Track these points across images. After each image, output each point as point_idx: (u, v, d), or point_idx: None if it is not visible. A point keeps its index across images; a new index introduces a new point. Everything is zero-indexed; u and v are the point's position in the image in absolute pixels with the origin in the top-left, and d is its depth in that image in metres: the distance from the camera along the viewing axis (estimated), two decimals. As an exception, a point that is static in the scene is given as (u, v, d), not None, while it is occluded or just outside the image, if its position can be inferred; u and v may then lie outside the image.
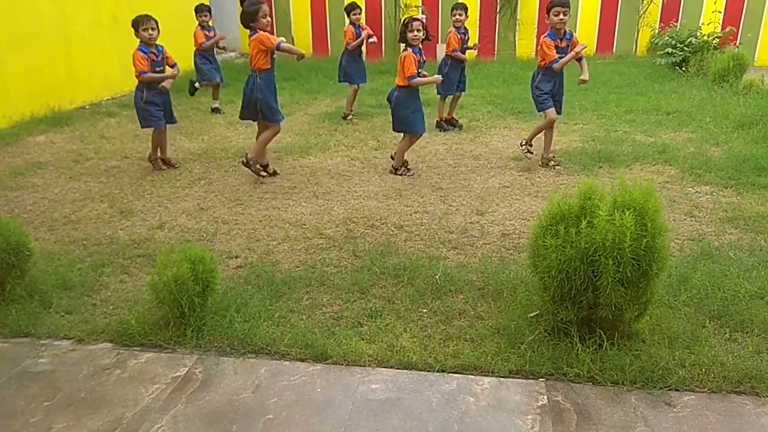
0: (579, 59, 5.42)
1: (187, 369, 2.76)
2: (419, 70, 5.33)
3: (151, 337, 2.96)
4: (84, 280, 3.58)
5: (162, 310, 3.02)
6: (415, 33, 5.25)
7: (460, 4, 7.14)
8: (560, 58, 5.34)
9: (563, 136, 6.63)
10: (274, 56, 5.23)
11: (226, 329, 2.99)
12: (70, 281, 3.54)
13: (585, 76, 5.51)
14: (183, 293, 2.89)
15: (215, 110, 8.04)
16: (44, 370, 2.79)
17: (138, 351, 2.91)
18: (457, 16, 6.96)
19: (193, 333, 2.94)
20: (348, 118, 7.58)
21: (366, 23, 11.92)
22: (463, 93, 7.37)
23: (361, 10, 7.72)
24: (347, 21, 7.68)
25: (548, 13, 5.31)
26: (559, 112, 5.60)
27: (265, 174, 5.41)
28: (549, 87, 5.46)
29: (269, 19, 5.05)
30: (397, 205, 4.78)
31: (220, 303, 3.18)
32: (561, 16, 5.22)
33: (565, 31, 5.37)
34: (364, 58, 7.87)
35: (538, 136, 5.71)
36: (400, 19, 11.66)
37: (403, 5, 11.63)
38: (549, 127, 5.58)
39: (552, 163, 5.63)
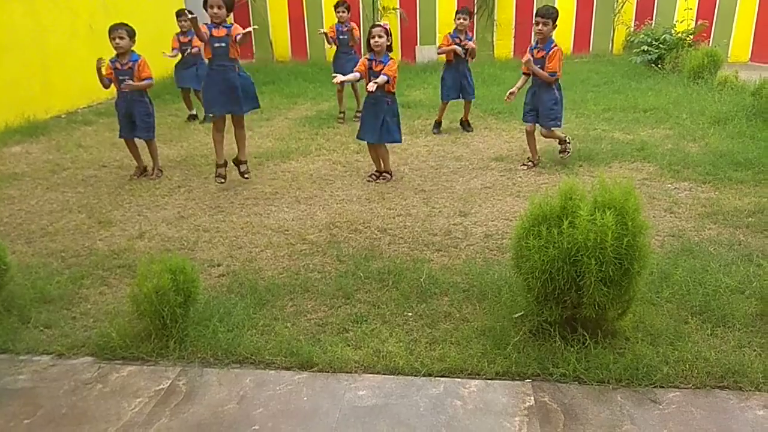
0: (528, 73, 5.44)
1: (170, 381, 2.72)
2: (371, 78, 5.17)
3: (133, 350, 2.91)
4: (63, 293, 3.51)
5: (143, 321, 2.97)
6: (376, 39, 5.19)
7: (464, 8, 7.09)
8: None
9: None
10: (216, 47, 5.00)
11: (210, 339, 2.95)
12: (48, 295, 3.47)
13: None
14: (164, 304, 2.85)
15: (193, 117, 7.93)
16: (24, 386, 2.73)
17: (120, 364, 2.86)
18: (461, 20, 6.90)
19: (176, 344, 2.90)
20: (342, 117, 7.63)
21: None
22: (472, 100, 7.19)
23: (345, 7, 7.58)
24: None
25: None
26: (537, 121, 5.55)
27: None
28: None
29: (215, 10, 4.89)
30: (380, 209, 4.77)
31: (202, 313, 3.14)
32: (538, 26, 5.20)
33: (547, 41, 5.30)
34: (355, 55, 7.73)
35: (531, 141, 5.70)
36: (378, 21, 11.68)
37: (380, 7, 11.63)
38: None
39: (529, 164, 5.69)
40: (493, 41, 11.89)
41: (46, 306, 3.37)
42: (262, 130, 7.34)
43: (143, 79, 5.38)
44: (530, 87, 5.53)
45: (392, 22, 11.37)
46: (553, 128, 5.52)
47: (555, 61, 5.26)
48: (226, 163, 5.38)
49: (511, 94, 5.44)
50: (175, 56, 7.80)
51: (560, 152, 5.69)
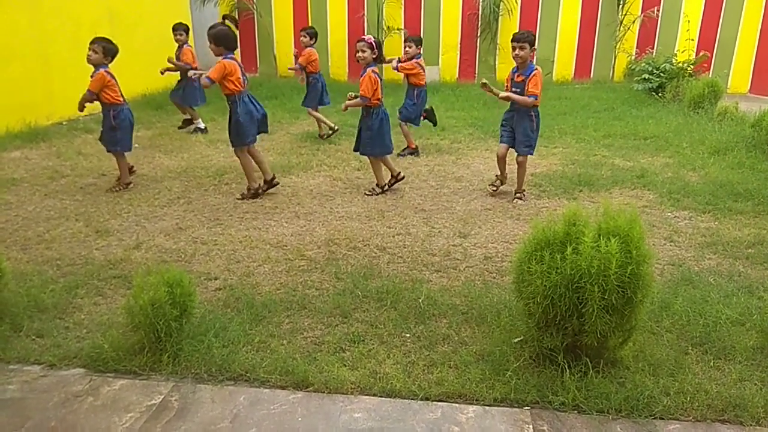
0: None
1: (162, 397, 2.67)
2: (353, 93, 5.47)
3: (126, 363, 2.87)
4: (57, 302, 3.47)
5: (137, 334, 2.93)
6: (359, 54, 5.31)
7: (410, 37, 7.10)
8: (513, 91, 5.21)
9: (543, 159, 6.69)
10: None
11: (204, 355, 2.90)
12: (42, 303, 3.42)
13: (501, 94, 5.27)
14: (159, 317, 2.81)
15: (202, 130, 7.91)
16: (13, 397, 2.67)
17: (111, 377, 2.81)
18: (407, 48, 6.94)
19: (169, 359, 2.85)
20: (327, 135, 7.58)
21: (349, 47, 12.02)
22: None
23: (307, 33, 7.53)
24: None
25: None
26: (512, 145, 5.42)
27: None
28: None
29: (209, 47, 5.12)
30: (380, 227, 4.75)
31: (197, 327, 3.10)
32: (515, 51, 5.11)
33: (527, 66, 5.16)
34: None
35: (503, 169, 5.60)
36: (383, 41, 11.77)
37: (385, 27, 11.73)
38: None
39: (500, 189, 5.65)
40: (495, 64, 11.97)
41: (39, 315, 3.33)
42: (263, 144, 7.30)
43: (87, 91, 5.35)
44: (508, 110, 5.41)
45: (397, 42, 11.46)
46: (527, 155, 5.35)
47: (536, 84, 5.10)
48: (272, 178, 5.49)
49: (484, 84, 5.26)
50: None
51: (515, 197, 5.45)
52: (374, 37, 5.46)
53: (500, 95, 5.21)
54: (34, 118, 7.63)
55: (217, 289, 3.70)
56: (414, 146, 7.00)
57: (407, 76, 7.03)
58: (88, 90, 5.34)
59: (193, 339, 3.00)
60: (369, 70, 5.33)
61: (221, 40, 5.05)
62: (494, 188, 5.60)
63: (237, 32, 5.31)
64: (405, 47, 7.00)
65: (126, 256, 4.13)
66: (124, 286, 3.69)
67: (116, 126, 5.48)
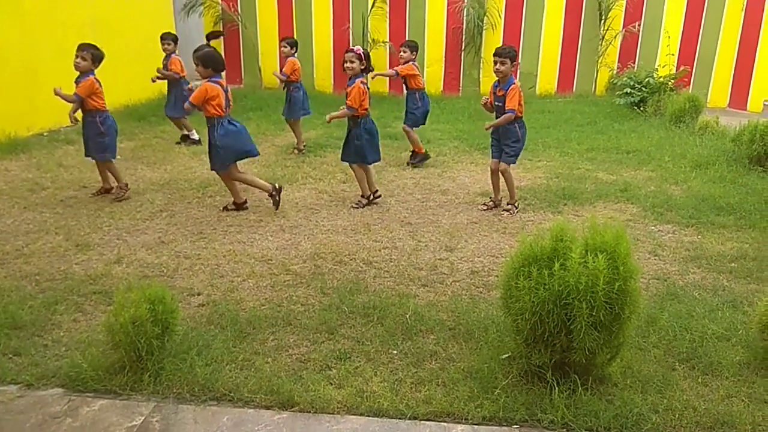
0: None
1: (143, 418, 2.60)
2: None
3: (106, 383, 2.79)
4: (35, 318, 3.38)
5: (118, 352, 2.86)
6: (347, 64, 5.32)
7: (406, 42, 7.21)
8: (496, 105, 5.31)
9: (528, 173, 6.72)
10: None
11: (186, 374, 2.84)
12: (20, 320, 3.34)
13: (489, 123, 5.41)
14: (141, 335, 2.74)
15: (196, 142, 7.82)
16: (-14, 419, 2.59)
17: (91, 397, 2.74)
18: (402, 53, 7.07)
19: (151, 378, 2.79)
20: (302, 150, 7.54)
21: (334, 59, 12.04)
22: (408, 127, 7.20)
23: (287, 43, 7.53)
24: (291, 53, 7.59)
25: None
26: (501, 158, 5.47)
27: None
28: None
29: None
30: (366, 240, 4.72)
31: (180, 345, 3.03)
32: (496, 66, 5.17)
33: (507, 80, 5.22)
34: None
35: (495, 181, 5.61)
36: (368, 53, 11.79)
37: (370, 40, 11.76)
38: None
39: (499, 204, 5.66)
40: (479, 77, 12.05)
41: (17, 332, 3.24)
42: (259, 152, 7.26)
43: (74, 94, 5.31)
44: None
45: (381, 54, 11.49)
46: (510, 164, 5.41)
47: (513, 99, 5.18)
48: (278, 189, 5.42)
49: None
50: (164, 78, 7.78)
51: (504, 208, 5.50)
52: (363, 48, 5.47)
53: (486, 127, 5.44)
54: (14, 129, 7.49)
55: (200, 305, 3.63)
56: (423, 151, 7.10)
57: (407, 81, 7.08)
58: (76, 94, 5.28)
59: (176, 357, 2.93)
60: (358, 80, 5.33)
61: (210, 62, 5.00)
62: (485, 207, 5.60)
63: (222, 44, 5.26)
64: (400, 52, 7.09)
65: (107, 271, 4.05)
66: (105, 301, 3.61)
67: (104, 132, 5.44)
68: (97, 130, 5.42)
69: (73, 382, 2.81)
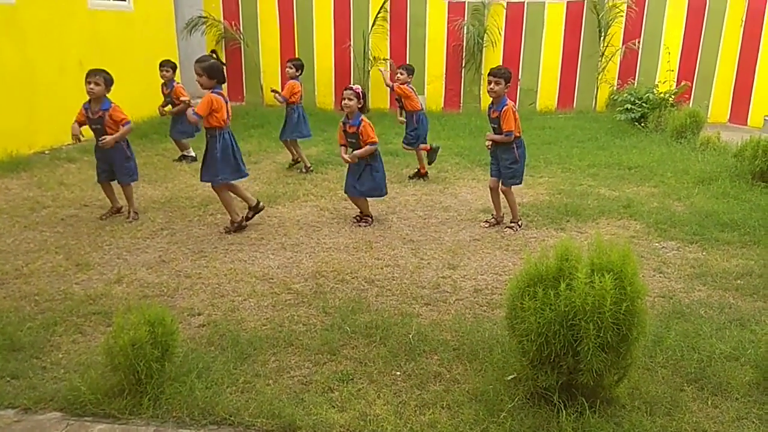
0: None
1: (142, 442, 2.55)
2: (348, 140, 5.43)
3: (104, 406, 2.74)
4: (34, 340, 3.34)
5: (117, 375, 2.81)
6: (345, 102, 5.31)
7: (402, 65, 7.39)
8: (492, 127, 5.33)
9: (530, 189, 6.69)
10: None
11: (186, 397, 2.79)
12: (18, 342, 3.30)
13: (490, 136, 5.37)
14: (140, 358, 2.70)
15: (193, 158, 7.82)
16: (-18, 444, 2.54)
17: (89, 422, 2.69)
18: (398, 75, 7.20)
19: (150, 402, 2.74)
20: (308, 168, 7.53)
21: (335, 76, 12.10)
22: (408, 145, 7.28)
23: (293, 64, 7.51)
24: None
25: None
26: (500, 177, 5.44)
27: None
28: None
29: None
30: (368, 258, 4.68)
31: (180, 367, 2.99)
32: (490, 85, 5.16)
33: (501, 101, 5.19)
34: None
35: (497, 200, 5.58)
36: (369, 71, 11.86)
37: (371, 57, 11.82)
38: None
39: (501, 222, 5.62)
40: (479, 94, 12.09)
41: (15, 354, 3.20)
42: (249, 173, 7.25)
43: (121, 124, 5.30)
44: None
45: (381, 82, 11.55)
46: (512, 186, 5.36)
47: (507, 121, 5.14)
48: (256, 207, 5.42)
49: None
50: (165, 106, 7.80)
51: (507, 226, 5.46)
52: (361, 88, 5.45)
53: (486, 137, 5.42)
54: (15, 147, 7.50)
55: (200, 326, 3.59)
56: (425, 171, 7.20)
57: (402, 103, 7.13)
58: (126, 121, 5.32)
59: (175, 380, 2.88)
60: (362, 117, 5.33)
61: (214, 73, 4.99)
62: (487, 224, 5.57)
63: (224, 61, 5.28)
64: (397, 74, 7.19)
65: (107, 291, 4.02)
66: (104, 322, 3.57)
67: (129, 156, 5.51)
68: (124, 154, 5.45)
69: (72, 406, 2.76)
